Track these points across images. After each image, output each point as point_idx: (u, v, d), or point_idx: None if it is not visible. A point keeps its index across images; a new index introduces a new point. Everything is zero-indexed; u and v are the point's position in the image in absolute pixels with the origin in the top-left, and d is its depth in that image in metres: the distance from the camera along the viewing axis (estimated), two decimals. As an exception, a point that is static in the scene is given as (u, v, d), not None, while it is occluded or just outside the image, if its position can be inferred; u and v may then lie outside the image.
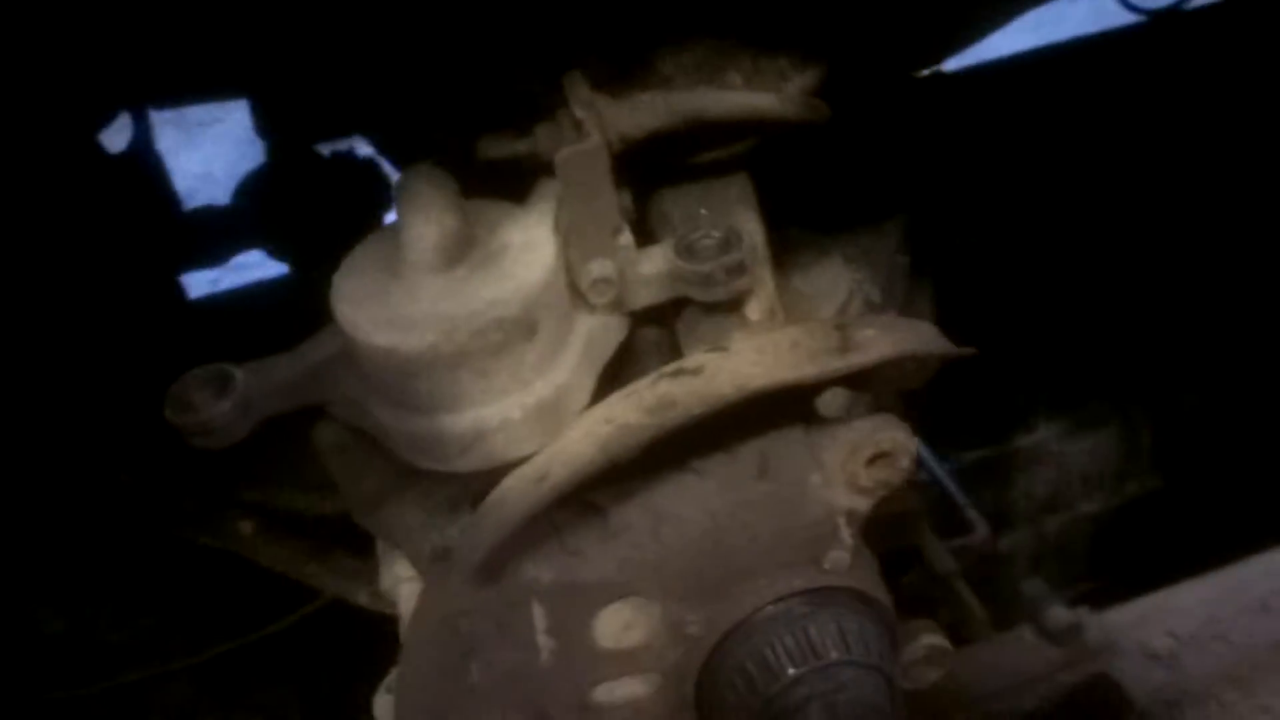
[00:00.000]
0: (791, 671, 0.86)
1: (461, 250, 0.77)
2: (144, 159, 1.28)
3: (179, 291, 1.36)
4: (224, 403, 0.79)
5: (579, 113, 0.78)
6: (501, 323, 0.74)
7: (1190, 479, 3.22)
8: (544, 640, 0.87)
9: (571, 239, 0.78)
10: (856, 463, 0.88)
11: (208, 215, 1.33)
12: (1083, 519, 3.35)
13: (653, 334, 0.89)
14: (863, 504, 0.91)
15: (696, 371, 0.78)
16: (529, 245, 0.78)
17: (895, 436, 0.87)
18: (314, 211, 1.25)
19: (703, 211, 0.88)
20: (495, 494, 0.80)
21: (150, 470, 1.22)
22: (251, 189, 1.29)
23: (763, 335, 0.81)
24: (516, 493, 0.78)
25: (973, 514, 1.88)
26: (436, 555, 0.90)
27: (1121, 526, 3.27)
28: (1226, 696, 1.43)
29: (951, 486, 1.94)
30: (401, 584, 1.03)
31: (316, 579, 1.20)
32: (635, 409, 0.78)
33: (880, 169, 1.25)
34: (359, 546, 1.25)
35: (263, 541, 1.21)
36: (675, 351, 0.90)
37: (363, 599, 1.19)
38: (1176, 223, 2.69)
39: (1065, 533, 3.35)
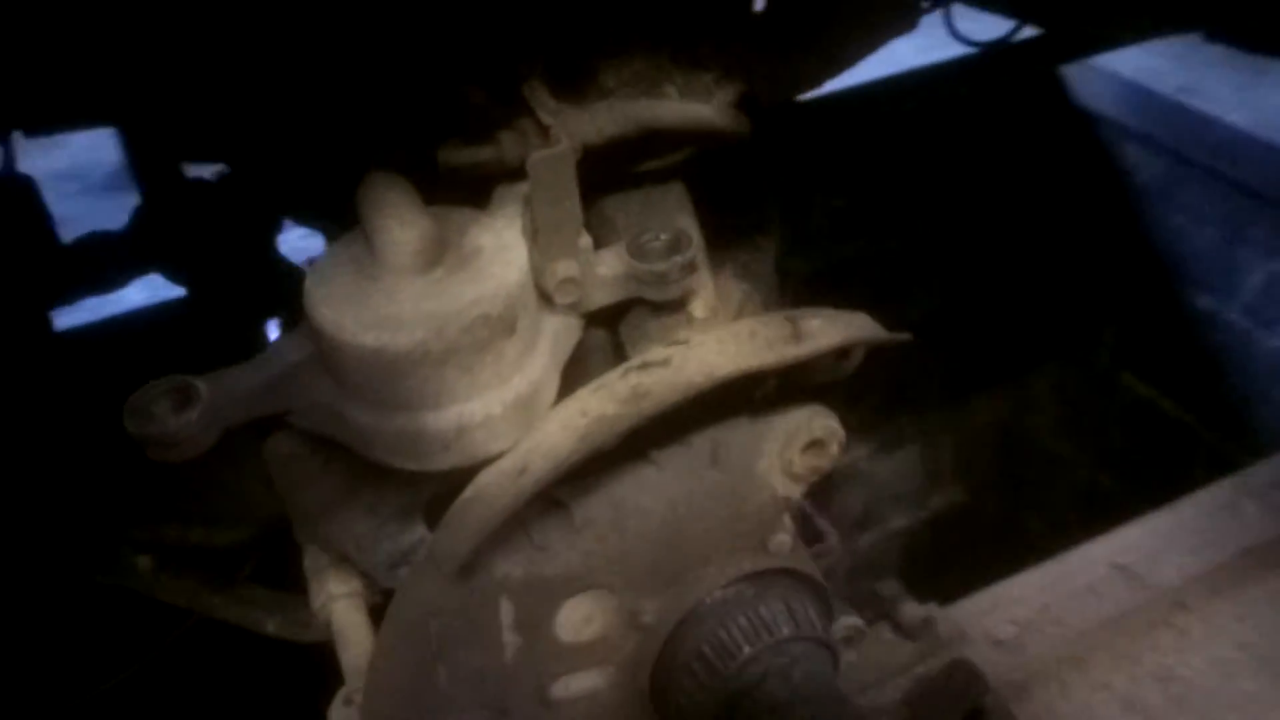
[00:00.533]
0: (748, 650, 0.91)
1: (437, 253, 0.79)
2: (13, 186, 1.22)
3: (45, 323, 1.29)
4: (189, 413, 0.78)
5: (546, 119, 0.81)
6: (487, 319, 0.77)
7: (991, 490, 3.47)
8: (510, 637, 0.89)
9: (539, 241, 0.81)
10: (793, 450, 0.94)
11: (90, 242, 1.27)
12: (893, 534, 3.56)
13: (598, 337, 0.93)
14: (796, 491, 0.97)
15: (664, 363, 0.82)
16: (502, 247, 0.80)
17: (828, 424, 0.94)
18: (202, 235, 1.22)
19: (646, 217, 0.92)
20: (470, 492, 0.82)
21: (43, 509, 1.16)
22: (136, 216, 1.24)
23: (720, 327, 0.86)
24: (497, 487, 0.80)
25: (823, 523, 1.98)
26: (393, 562, 0.90)
27: (929, 539, 3.49)
28: (1067, 676, 1.54)
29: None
30: (335, 601, 1.02)
31: (221, 611, 1.17)
32: (609, 400, 0.81)
33: (754, 187, 1.32)
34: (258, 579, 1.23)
35: (163, 576, 1.17)
36: (619, 354, 0.93)
37: (270, 628, 1.17)
38: (985, 243, 2.92)
39: (877, 548, 3.54)
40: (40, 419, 1.23)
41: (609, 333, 0.94)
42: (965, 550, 3.22)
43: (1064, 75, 3.03)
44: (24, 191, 1.21)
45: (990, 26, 1.57)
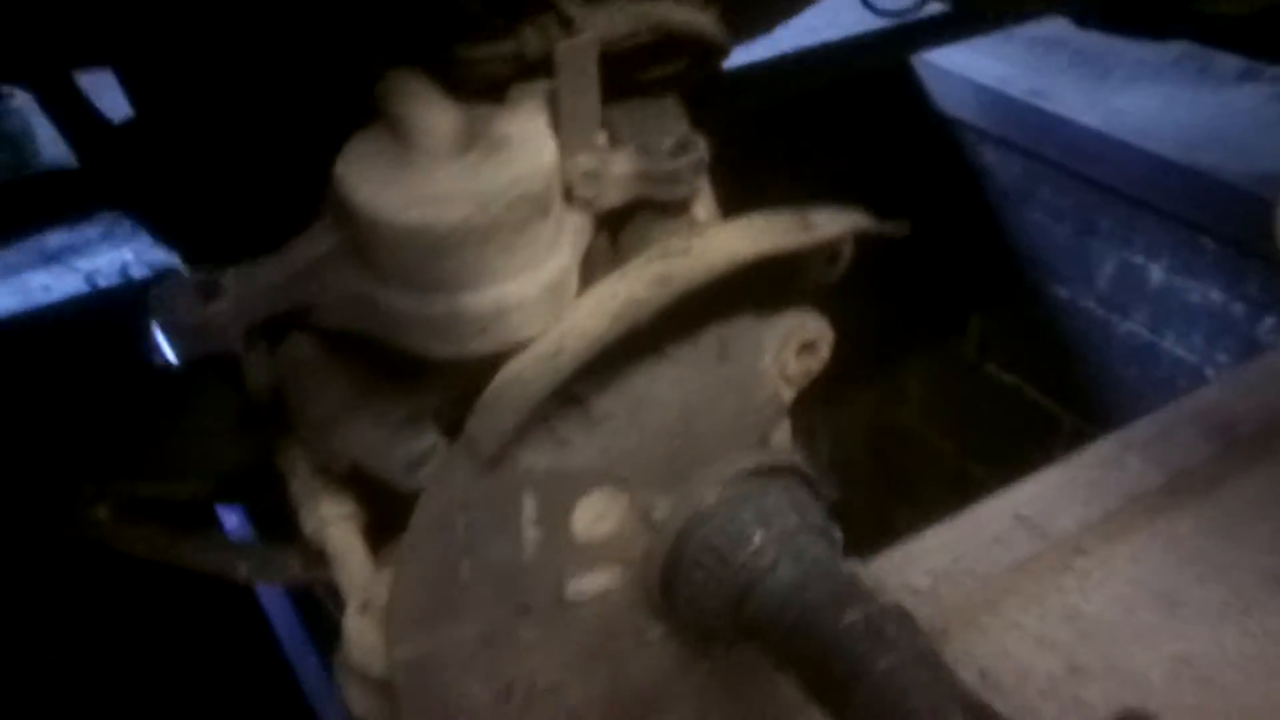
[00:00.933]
0: (759, 538, 0.94)
1: (469, 138, 0.81)
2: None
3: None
4: (220, 303, 0.77)
5: (570, 10, 0.84)
6: (527, 197, 0.78)
7: (864, 484, 3.59)
8: (530, 532, 0.90)
9: (561, 134, 0.84)
10: (788, 351, 0.98)
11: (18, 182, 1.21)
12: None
13: (600, 242, 0.95)
14: (789, 393, 1.01)
15: (686, 251, 0.86)
16: (530, 135, 0.82)
17: (820, 326, 0.99)
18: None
19: (648, 124, 0.95)
20: (504, 376, 0.83)
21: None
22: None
23: (732, 221, 0.90)
24: (533, 370, 0.82)
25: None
26: (411, 465, 0.90)
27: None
28: (982, 619, 1.63)
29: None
30: (329, 525, 1.01)
31: (188, 558, 1.14)
32: (637, 284, 0.84)
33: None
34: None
35: (124, 526, 1.13)
36: (621, 259, 0.96)
37: (243, 572, 1.15)
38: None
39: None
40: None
41: (610, 240, 0.96)
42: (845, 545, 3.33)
43: (923, 80, 3.21)
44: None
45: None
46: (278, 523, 1.20)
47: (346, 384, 0.91)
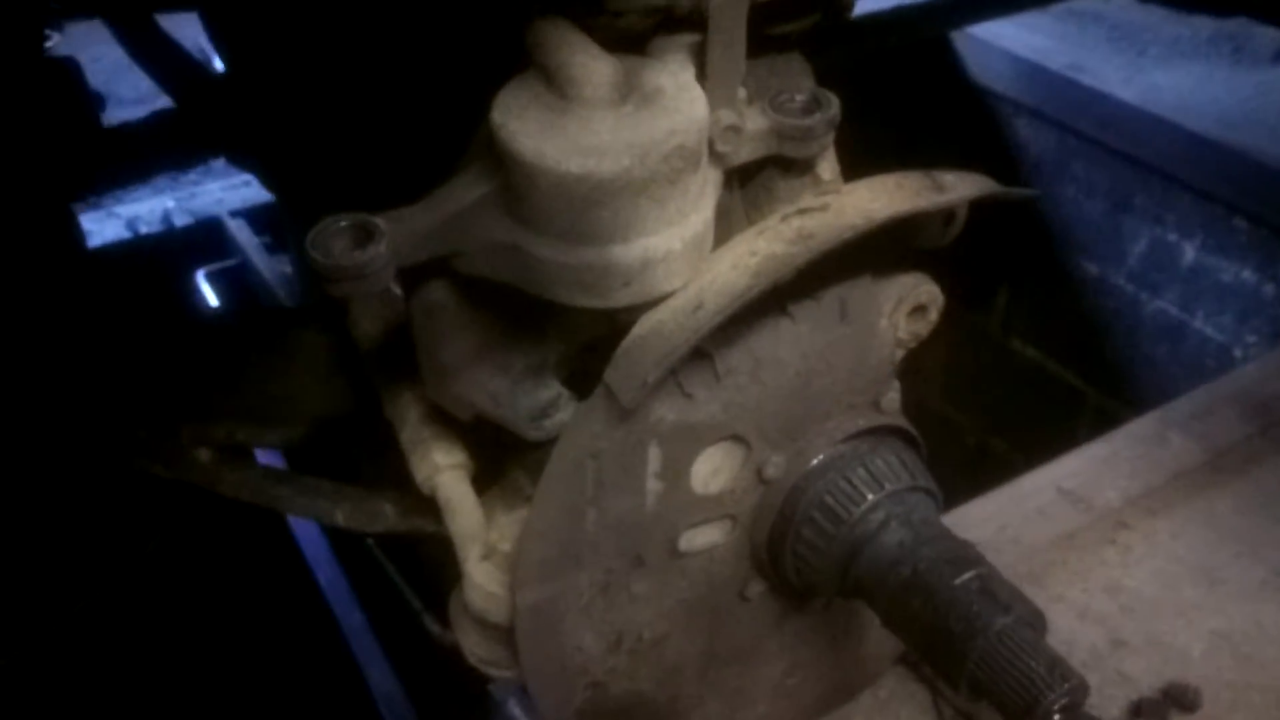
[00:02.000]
0: (871, 497, 0.96)
1: (626, 88, 0.81)
2: (55, 68, 1.15)
3: (78, 236, 1.23)
4: (376, 246, 0.78)
5: (724, -33, 0.84)
6: (683, 150, 0.79)
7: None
8: (653, 484, 0.91)
9: (708, 88, 0.84)
10: (900, 313, 0.99)
11: (134, 127, 1.21)
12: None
13: (725, 198, 0.96)
14: (898, 355, 1.02)
15: (824, 208, 0.86)
16: (681, 86, 0.83)
17: (932, 290, 1.00)
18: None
19: (774, 81, 0.96)
20: (643, 328, 0.84)
21: (98, 402, 1.11)
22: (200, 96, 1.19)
23: (862, 181, 0.91)
24: (674, 323, 0.82)
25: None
26: (535, 415, 0.91)
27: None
28: (1026, 590, 1.64)
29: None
30: (440, 473, 1.02)
31: (286, 503, 1.15)
32: (776, 241, 0.85)
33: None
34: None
35: (226, 468, 1.14)
36: (749, 215, 0.96)
37: (339, 518, 1.16)
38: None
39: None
40: (72, 317, 1.18)
41: (732, 196, 0.97)
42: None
43: (959, 51, 3.20)
44: (65, 74, 1.15)
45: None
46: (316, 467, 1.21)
47: (474, 333, 0.92)
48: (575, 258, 0.80)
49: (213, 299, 2.35)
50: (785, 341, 0.92)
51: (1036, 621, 0.90)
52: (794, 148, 0.90)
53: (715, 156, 0.87)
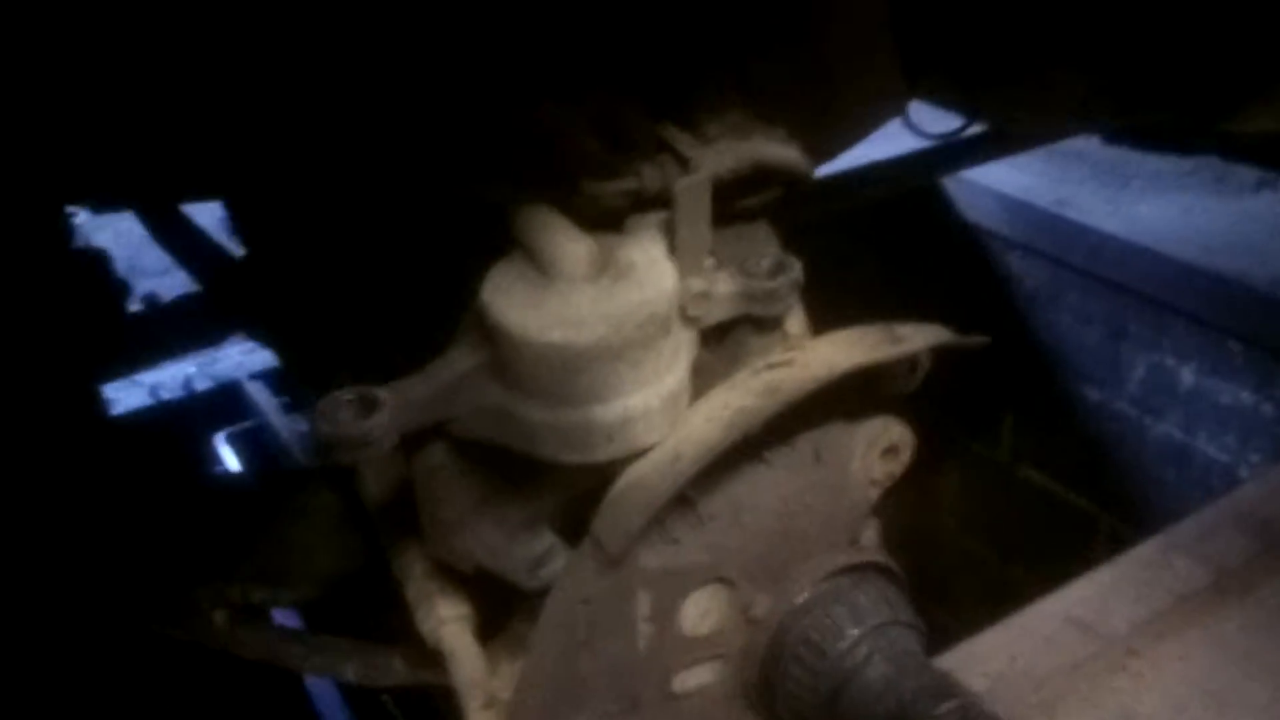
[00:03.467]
0: (854, 632, 1.00)
1: (601, 265, 0.89)
2: (84, 260, 1.25)
3: (98, 405, 1.31)
4: (379, 416, 0.85)
5: (688, 152, 0.93)
6: (654, 317, 0.87)
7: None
8: (644, 627, 0.96)
9: (677, 260, 0.92)
10: (873, 455, 1.06)
11: (154, 315, 1.30)
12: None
13: (702, 356, 1.03)
14: (874, 494, 1.08)
15: (790, 362, 0.94)
16: (653, 261, 0.91)
17: (903, 431, 1.07)
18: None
19: (743, 248, 1.04)
20: (627, 480, 0.90)
21: (115, 568, 1.18)
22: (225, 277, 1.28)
23: (827, 336, 0.98)
24: (655, 475, 0.89)
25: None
26: (531, 566, 0.97)
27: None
28: (1035, 720, 1.66)
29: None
30: (444, 625, 1.08)
31: (300, 661, 1.20)
32: (747, 395, 0.92)
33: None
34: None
35: (241, 629, 1.19)
36: (722, 371, 1.03)
37: (350, 674, 1.20)
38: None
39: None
40: (91, 489, 1.26)
41: (709, 354, 1.04)
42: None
43: (950, 193, 3.33)
44: (93, 265, 1.25)
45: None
46: (333, 624, 1.26)
47: (472, 490, 0.98)
48: (560, 418, 0.87)
49: (233, 460, 2.43)
50: (763, 487, 0.99)
51: (1017, 749, 0.93)
52: (762, 308, 0.98)
53: (688, 320, 0.95)
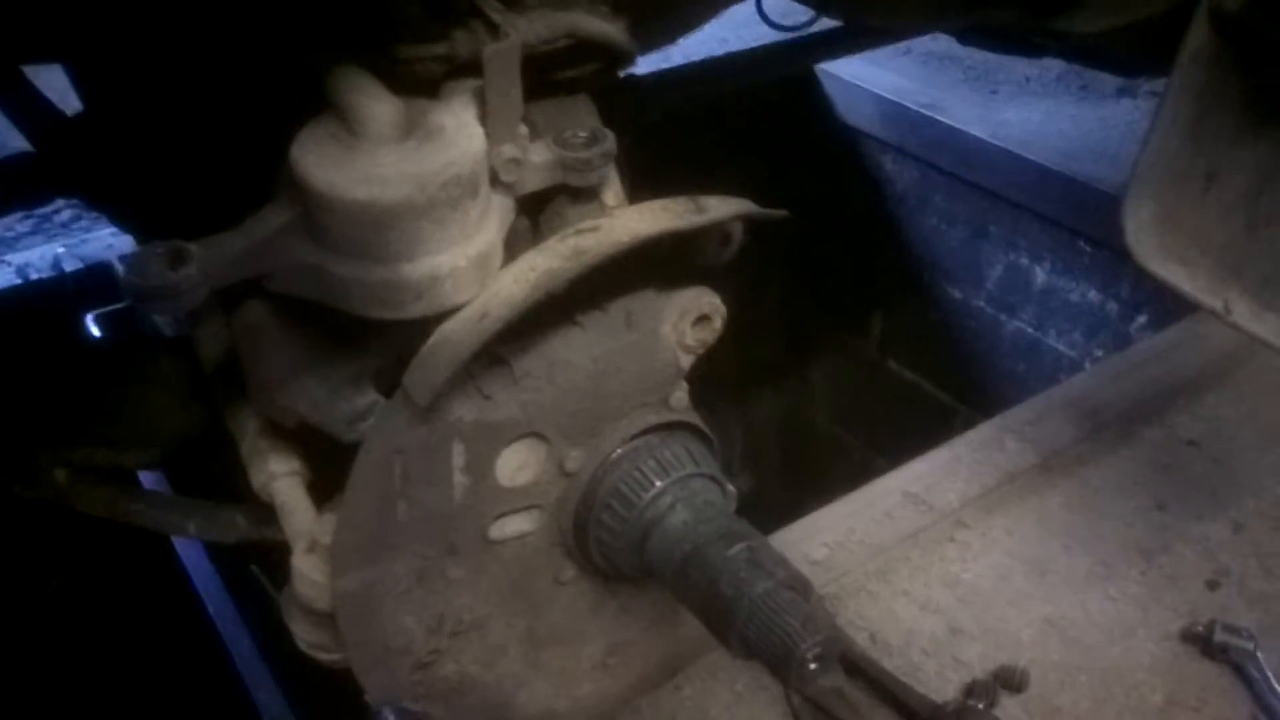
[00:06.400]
0: (659, 483, 1.08)
1: (408, 127, 0.93)
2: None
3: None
4: (187, 269, 0.88)
5: (497, 18, 0.96)
6: (459, 179, 0.91)
7: (776, 476, 3.74)
8: (459, 478, 1.02)
9: (488, 126, 0.96)
10: (685, 323, 1.12)
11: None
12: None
13: (521, 224, 1.08)
14: (687, 361, 1.15)
15: (596, 229, 0.99)
16: (461, 125, 0.95)
17: (713, 301, 1.13)
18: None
19: (563, 119, 1.08)
20: (438, 336, 0.95)
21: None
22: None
23: (636, 206, 1.03)
24: (463, 331, 0.94)
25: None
26: (351, 420, 1.02)
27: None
28: (873, 586, 1.77)
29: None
30: (276, 480, 1.12)
31: (140, 518, 1.24)
32: (553, 258, 0.97)
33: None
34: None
35: (80, 487, 1.23)
36: (539, 237, 1.09)
37: (191, 530, 1.25)
38: (765, 245, 3.22)
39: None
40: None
41: (529, 222, 1.09)
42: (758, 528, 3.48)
43: (827, 91, 3.39)
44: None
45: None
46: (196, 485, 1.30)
47: (294, 347, 1.03)
48: (369, 275, 0.92)
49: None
50: (576, 347, 1.05)
51: (799, 585, 1.02)
52: (576, 177, 1.03)
53: (502, 186, 1.00)
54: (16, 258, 2.64)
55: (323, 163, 0.90)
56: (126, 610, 2.45)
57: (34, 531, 2.06)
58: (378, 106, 0.92)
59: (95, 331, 2.44)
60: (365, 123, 0.92)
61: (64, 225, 2.77)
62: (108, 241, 2.69)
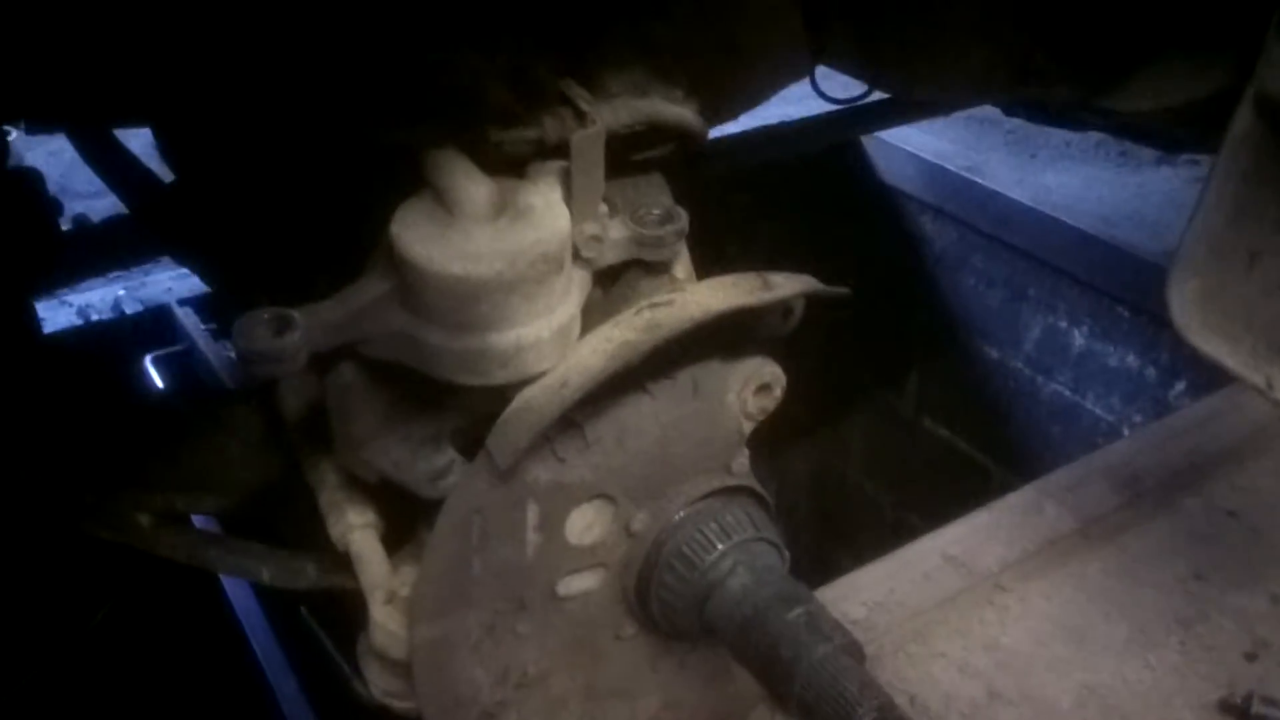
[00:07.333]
0: (720, 546, 1.12)
1: (500, 206, 0.99)
2: (16, 178, 1.31)
3: (33, 321, 1.37)
4: (292, 335, 0.94)
5: (585, 106, 1.02)
6: (547, 256, 0.96)
7: (806, 530, 3.76)
8: (532, 536, 1.07)
9: (573, 205, 1.02)
10: (748, 391, 1.17)
11: (87, 231, 1.36)
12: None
13: (596, 294, 1.14)
14: (748, 428, 1.20)
15: (670, 303, 1.04)
16: (549, 205, 1.01)
17: (775, 371, 1.18)
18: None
19: (638, 197, 1.14)
20: (519, 402, 1.00)
21: (48, 474, 1.25)
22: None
23: (706, 281, 1.09)
24: (543, 398, 0.99)
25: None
26: (432, 477, 1.07)
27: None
28: (911, 648, 1.80)
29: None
30: (353, 531, 1.17)
31: (218, 563, 1.29)
32: (629, 330, 1.02)
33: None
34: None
35: (163, 532, 1.28)
36: (613, 309, 1.14)
37: (265, 577, 1.30)
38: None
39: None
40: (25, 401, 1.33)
41: (603, 294, 1.15)
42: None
43: (869, 154, 3.46)
44: (28, 184, 1.30)
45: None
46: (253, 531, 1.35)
47: (380, 407, 1.08)
48: (459, 344, 0.97)
49: (159, 382, 2.50)
50: (645, 414, 1.10)
51: (854, 650, 1.06)
52: (650, 253, 1.09)
53: (582, 261, 1.05)
54: (78, 299, 2.72)
55: (421, 238, 0.96)
56: (173, 644, 2.51)
57: (84, 563, 2.11)
58: (474, 188, 0.98)
59: (154, 373, 2.52)
60: (462, 203, 0.98)
61: (125, 268, 2.85)
62: (167, 285, 2.78)
